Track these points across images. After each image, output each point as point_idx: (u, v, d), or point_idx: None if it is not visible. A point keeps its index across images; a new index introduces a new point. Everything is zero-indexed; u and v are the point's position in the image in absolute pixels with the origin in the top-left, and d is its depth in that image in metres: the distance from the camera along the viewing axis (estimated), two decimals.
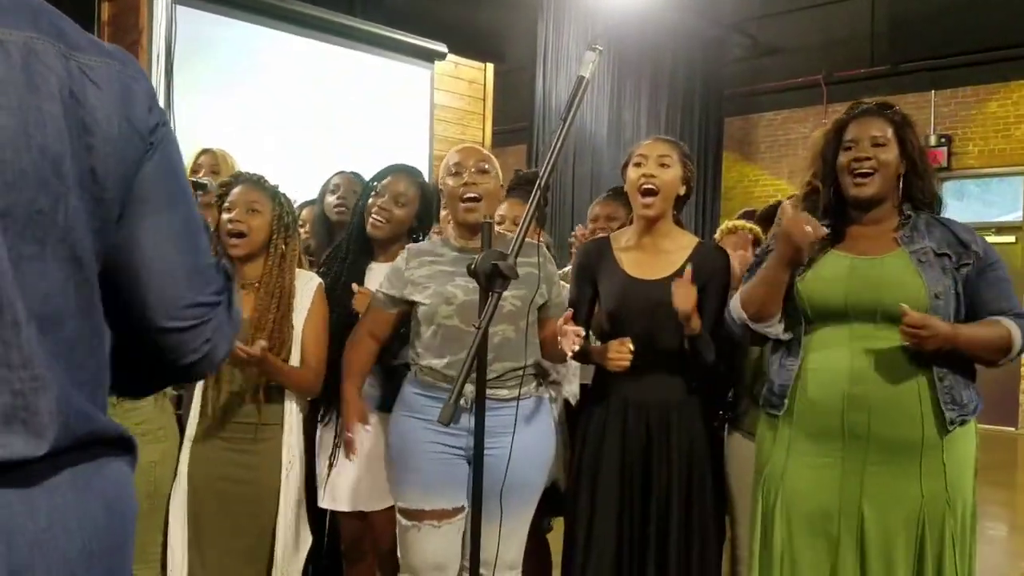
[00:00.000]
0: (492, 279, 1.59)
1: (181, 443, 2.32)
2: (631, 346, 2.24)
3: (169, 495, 2.29)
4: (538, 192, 1.64)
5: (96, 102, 0.85)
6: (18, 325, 0.78)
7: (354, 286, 2.46)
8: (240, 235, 2.32)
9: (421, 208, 2.61)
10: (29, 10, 0.84)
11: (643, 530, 2.33)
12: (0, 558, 0.77)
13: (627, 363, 2.24)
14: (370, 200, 2.57)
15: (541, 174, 1.66)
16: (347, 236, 2.66)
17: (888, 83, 8.47)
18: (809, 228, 2.00)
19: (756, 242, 2.91)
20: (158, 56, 4.77)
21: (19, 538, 0.79)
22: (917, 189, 2.10)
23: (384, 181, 2.58)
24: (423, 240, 2.68)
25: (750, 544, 2.18)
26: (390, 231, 2.56)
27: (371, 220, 2.54)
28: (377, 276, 2.53)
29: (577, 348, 2.07)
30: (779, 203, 2.95)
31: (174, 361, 0.96)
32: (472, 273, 1.61)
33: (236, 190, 2.37)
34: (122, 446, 0.93)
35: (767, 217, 3.03)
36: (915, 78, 8.64)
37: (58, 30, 0.85)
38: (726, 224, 3.15)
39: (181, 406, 2.36)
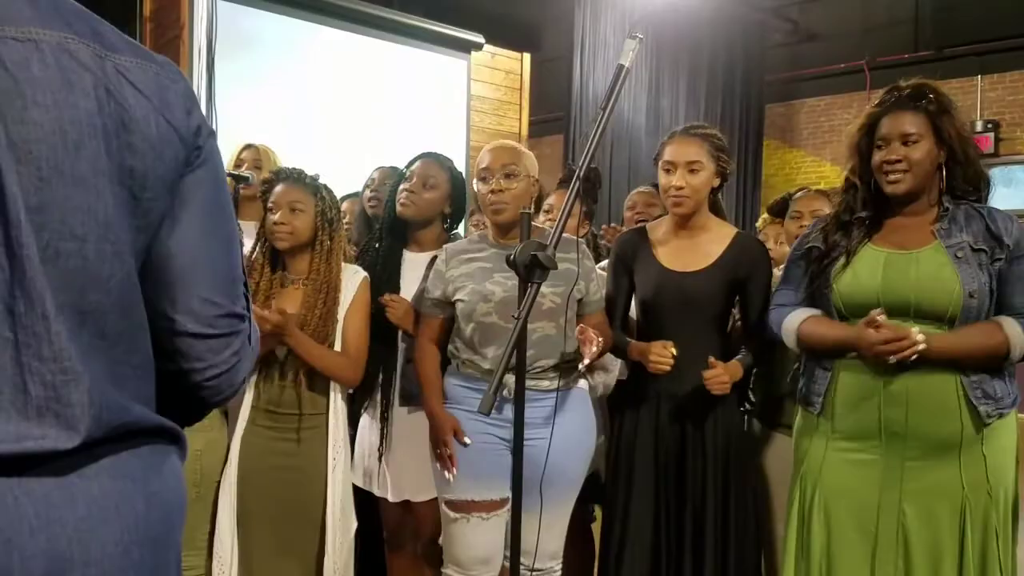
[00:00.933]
0: (531, 270, 1.59)
1: (231, 432, 2.36)
2: (674, 350, 2.24)
3: (218, 483, 2.34)
4: (577, 183, 1.63)
5: (134, 101, 0.85)
6: (47, 318, 0.79)
7: (383, 298, 2.46)
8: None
9: (452, 192, 2.61)
10: (64, 13, 0.85)
11: (679, 523, 2.33)
12: (39, 550, 0.78)
13: (668, 367, 2.24)
14: (400, 186, 2.59)
15: (580, 164, 1.66)
16: (380, 225, 2.68)
17: (933, 68, 8.25)
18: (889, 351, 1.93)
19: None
20: (199, 51, 4.83)
21: (58, 529, 0.79)
22: (959, 177, 2.04)
23: (412, 167, 2.60)
24: (456, 227, 2.69)
25: (786, 539, 2.16)
26: (417, 212, 2.55)
27: (399, 202, 2.55)
28: (411, 267, 2.56)
29: (595, 353, 2.09)
30: (791, 195, 2.91)
31: (199, 372, 0.94)
32: (511, 264, 1.62)
33: (278, 189, 2.39)
34: (166, 437, 0.93)
35: (779, 211, 2.99)
36: (961, 63, 8.44)
37: (94, 32, 0.86)
38: (767, 214, 3.12)
39: None
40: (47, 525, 0.79)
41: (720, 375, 2.23)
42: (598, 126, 1.64)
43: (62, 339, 0.79)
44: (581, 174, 1.63)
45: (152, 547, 0.87)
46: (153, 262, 0.90)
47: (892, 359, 1.90)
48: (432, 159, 2.63)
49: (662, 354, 2.24)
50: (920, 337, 1.88)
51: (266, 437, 2.33)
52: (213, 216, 0.94)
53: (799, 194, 2.89)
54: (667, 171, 2.38)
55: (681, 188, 2.34)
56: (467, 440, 2.22)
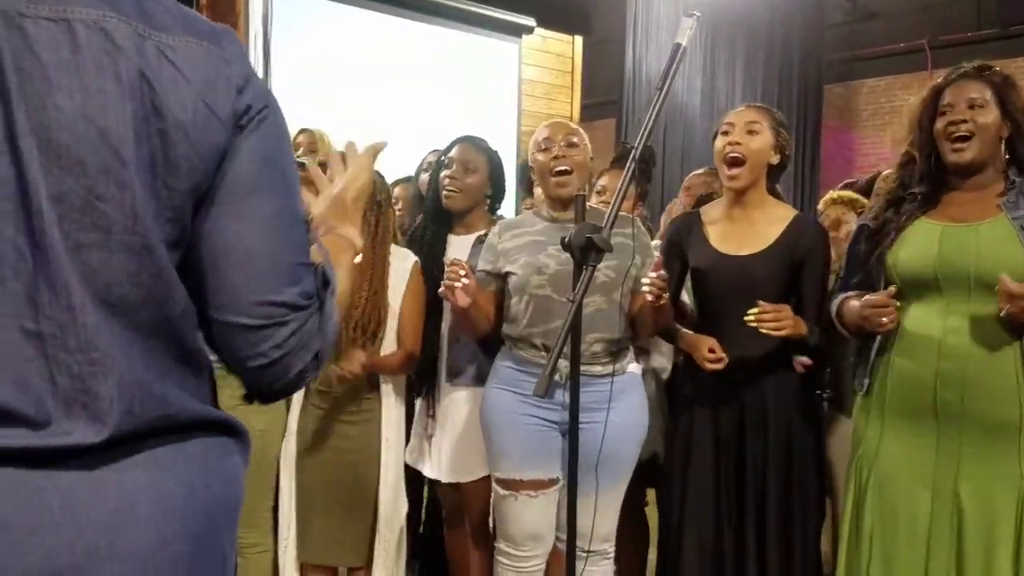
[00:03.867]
0: (586, 252, 1.58)
1: (288, 411, 2.40)
2: (725, 356, 2.20)
3: (278, 463, 2.39)
4: (633, 163, 1.61)
5: (171, 85, 0.80)
6: (73, 309, 0.76)
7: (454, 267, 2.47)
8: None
9: (492, 173, 2.62)
10: None
11: (740, 509, 2.30)
12: (63, 542, 0.76)
13: (719, 368, 2.20)
14: (442, 174, 2.60)
15: (635, 144, 1.64)
16: (424, 211, 2.71)
17: (997, 47, 7.98)
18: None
19: (861, 215, 2.81)
20: (255, 39, 4.89)
21: (84, 522, 0.77)
22: (1022, 151, 1.98)
23: (451, 153, 2.61)
24: (499, 206, 2.69)
25: (841, 523, 2.13)
26: (463, 200, 2.57)
27: (444, 192, 2.57)
28: (456, 248, 2.57)
29: (655, 297, 2.04)
30: (878, 174, 2.84)
31: (240, 362, 0.89)
32: (566, 246, 1.61)
33: (330, 171, 2.42)
34: (218, 429, 0.89)
35: (867, 189, 2.92)
36: None
37: (140, 9, 0.81)
38: (830, 195, 3.05)
39: None
40: (73, 518, 0.77)
41: (771, 312, 2.09)
42: (654, 106, 1.62)
43: (89, 330, 0.77)
44: (637, 155, 1.61)
45: (194, 543, 0.84)
46: (196, 251, 0.86)
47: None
48: (468, 143, 2.65)
49: (710, 358, 2.21)
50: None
51: (321, 418, 2.37)
52: (259, 197, 0.87)
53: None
54: (725, 133, 2.31)
55: (738, 144, 2.26)
56: (464, 278, 2.12)
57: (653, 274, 2.06)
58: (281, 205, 0.89)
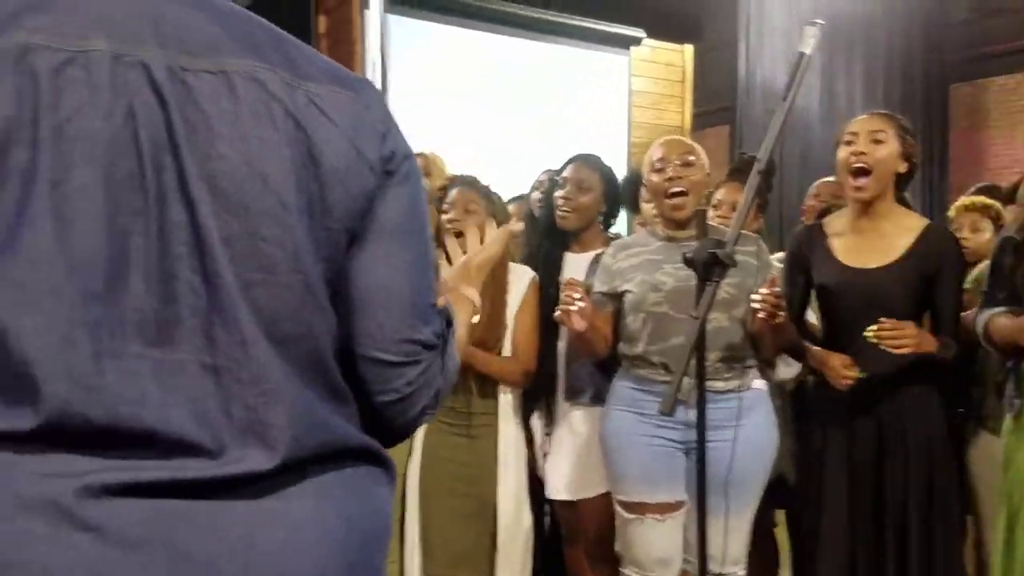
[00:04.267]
0: (710, 268, 1.56)
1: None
2: (859, 374, 2.12)
3: (404, 475, 2.44)
4: (757, 178, 1.58)
5: (324, 133, 0.84)
6: (246, 344, 0.80)
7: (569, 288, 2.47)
8: (458, 235, 2.43)
9: (606, 191, 2.62)
10: (258, 41, 0.85)
11: (878, 532, 2.19)
12: (242, 571, 0.78)
13: (850, 384, 2.12)
14: (556, 193, 2.61)
15: (759, 158, 1.61)
16: (539, 230, 2.72)
17: None
18: None
19: (997, 221, 2.66)
20: (373, 65, 5.05)
21: (259, 552, 0.79)
22: None
23: (565, 172, 2.62)
24: (614, 223, 2.68)
25: (992, 550, 2.01)
26: (578, 220, 2.58)
27: (558, 212, 2.59)
28: (572, 266, 2.57)
29: (768, 314, 2.00)
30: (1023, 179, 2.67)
31: (370, 397, 0.92)
32: (689, 263, 1.59)
33: (453, 192, 2.49)
34: (371, 458, 0.92)
35: (1011, 196, 2.75)
36: None
37: (288, 59, 0.85)
38: (962, 200, 2.90)
39: None
40: (248, 548, 0.79)
41: (892, 328, 2.00)
42: (779, 119, 1.58)
43: (260, 363, 0.81)
44: (763, 168, 1.57)
45: (349, 572, 0.86)
46: (342, 288, 0.89)
47: None
48: (581, 161, 2.66)
49: (842, 374, 2.13)
50: None
51: (442, 433, 2.41)
52: (402, 241, 0.91)
53: None
54: (848, 143, 2.22)
55: (863, 154, 2.17)
56: (579, 301, 2.09)
57: (765, 290, 2.00)
58: (420, 250, 0.93)
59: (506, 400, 2.43)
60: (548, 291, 2.49)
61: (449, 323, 0.99)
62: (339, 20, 5.62)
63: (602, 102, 6.32)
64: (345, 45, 5.44)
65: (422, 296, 0.93)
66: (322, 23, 5.82)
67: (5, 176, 0.74)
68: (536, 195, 3.16)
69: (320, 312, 0.86)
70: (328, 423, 0.86)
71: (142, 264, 0.78)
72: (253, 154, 0.80)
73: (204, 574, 0.77)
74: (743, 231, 1.79)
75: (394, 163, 0.90)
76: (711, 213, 2.81)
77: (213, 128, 0.79)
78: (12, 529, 0.72)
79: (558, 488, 2.55)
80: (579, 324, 2.12)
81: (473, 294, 1.24)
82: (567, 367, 2.55)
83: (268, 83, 0.82)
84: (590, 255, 2.55)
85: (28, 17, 0.76)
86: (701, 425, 1.71)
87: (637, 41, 6.57)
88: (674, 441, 2.21)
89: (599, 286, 2.34)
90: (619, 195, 2.68)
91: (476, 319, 1.24)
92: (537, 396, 2.59)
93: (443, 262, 1.33)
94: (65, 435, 0.74)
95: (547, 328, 2.49)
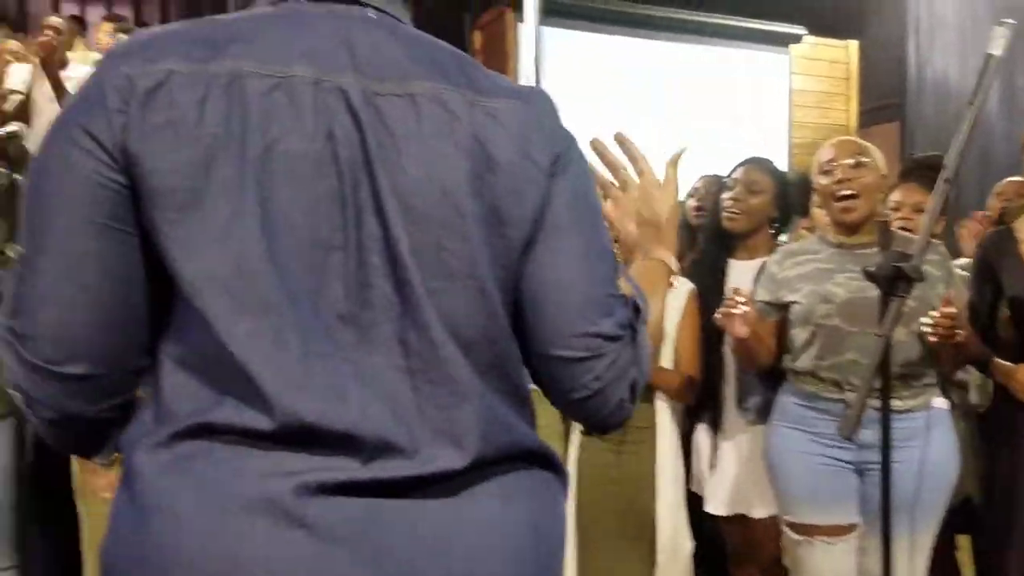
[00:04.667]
0: (894, 283, 1.48)
1: (568, 442, 2.45)
2: None
3: None
4: (945, 186, 1.48)
5: (501, 145, 0.87)
6: (436, 346, 0.84)
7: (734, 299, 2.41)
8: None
9: (777, 195, 2.52)
10: (440, 63, 0.89)
11: None
12: (438, 571, 0.81)
13: None
14: (724, 195, 2.54)
15: (947, 163, 1.51)
16: (704, 236, 2.65)
17: None
18: None
19: None
20: (527, 78, 5.12)
21: (453, 552, 0.82)
22: None
23: (735, 174, 2.55)
24: (785, 230, 2.58)
25: None
26: (746, 222, 2.49)
27: (725, 214, 2.50)
28: (737, 273, 2.49)
29: (940, 337, 1.87)
30: None
31: (563, 395, 0.94)
32: (871, 277, 1.51)
33: None
34: (545, 463, 0.92)
35: None
36: None
37: (467, 78, 0.89)
38: None
39: None
40: (444, 548, 0.82)
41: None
42: (967, 124, 1.48)
43: (449, 365, 0.84)
44: (950, 176, 1.48)
45: None
46: (519, 291, 0.91)
47: None
48: (754, 164, 2.57)
49: None
50: None
51: (594, 447, 2.38)
52: (569, 233, 0.91)
53: None
54: None
55: None
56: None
57: (936, 313, 1.88)
58: (592, 239, 0.93)
59: (663, 413, 2.37)
60: (712, 299, 2.41)
61: (637, 311, 0.96)
62: (493, 34, 5.74)
63: (761, 103, 6.16)
64: (499, 58, 5.54)
65: (598, 287, 0.92)
66: (477, 38, 5.96)
67: (211, 190, 0.80)
68: (692, 202, 3.10)
69: (495, 316, 0.88)
70: (510, 424, 0.89)
71: (341, 273, 0.83)
72: (436, 169, 0.84)
73: (405, 571, 0.80)
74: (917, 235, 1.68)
75: (561, 161, 0.91)
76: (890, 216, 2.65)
77: (400, 148, 0.84)
78: (238, 526, 0.78)
79: (725, 503, 2.48)
80: (741, 330, 2.06)
81: (667, 255, 1.16)
82: (737, 378, 2.48)
83: (449, 102, 0.86)
84: (758, 262, 2.44)
85: (238, 46, 0.83)
86: (886, 447, 1.61)
87: (797, 39, 6.36)
88: (844, 461, 2.10)
89: (763, 295, 2.25)
90: (791, 201, 2.58)
91: (676, 282, 1.13)
92: (702, 408, 2.53)
93: (614, 213, 1.18)
94: (283, 434, 0.79)
95: (711, 337, 2.43)
